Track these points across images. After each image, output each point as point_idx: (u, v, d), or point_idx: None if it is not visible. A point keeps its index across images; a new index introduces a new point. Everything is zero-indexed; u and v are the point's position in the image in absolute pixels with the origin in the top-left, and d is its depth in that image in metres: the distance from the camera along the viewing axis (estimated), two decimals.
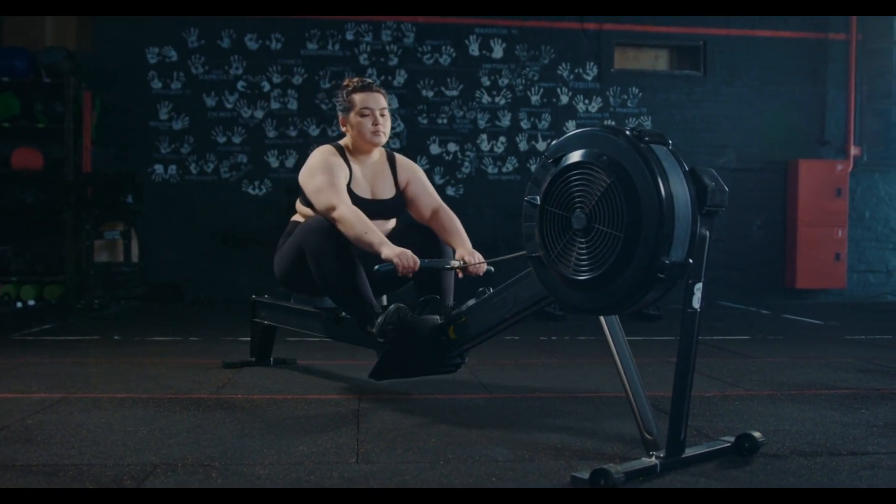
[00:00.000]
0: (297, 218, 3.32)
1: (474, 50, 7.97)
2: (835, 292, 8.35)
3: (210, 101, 7.67)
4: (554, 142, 2.29)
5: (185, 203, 7.61)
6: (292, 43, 7.76)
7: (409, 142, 7.88)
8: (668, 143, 2.12)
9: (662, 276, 1.95)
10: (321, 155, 3.13)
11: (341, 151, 3.17)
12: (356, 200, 3.08)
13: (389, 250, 2.80)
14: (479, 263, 3.03)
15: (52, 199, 7.05)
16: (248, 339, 3.82)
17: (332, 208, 2.94)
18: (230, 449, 2.24)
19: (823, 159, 8.31)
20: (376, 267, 2.80)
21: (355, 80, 3.22)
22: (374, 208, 3.16)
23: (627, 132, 2.08)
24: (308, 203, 3.18)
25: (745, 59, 8.26)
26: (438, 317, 2.86)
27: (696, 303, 2.07)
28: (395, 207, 3.28)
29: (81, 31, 7.60)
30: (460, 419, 2.67)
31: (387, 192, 3.25)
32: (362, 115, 3.10)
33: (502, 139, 8.00)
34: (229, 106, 7.70)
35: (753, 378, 3.56)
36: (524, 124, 8.03)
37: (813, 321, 6.30)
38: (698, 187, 2.07)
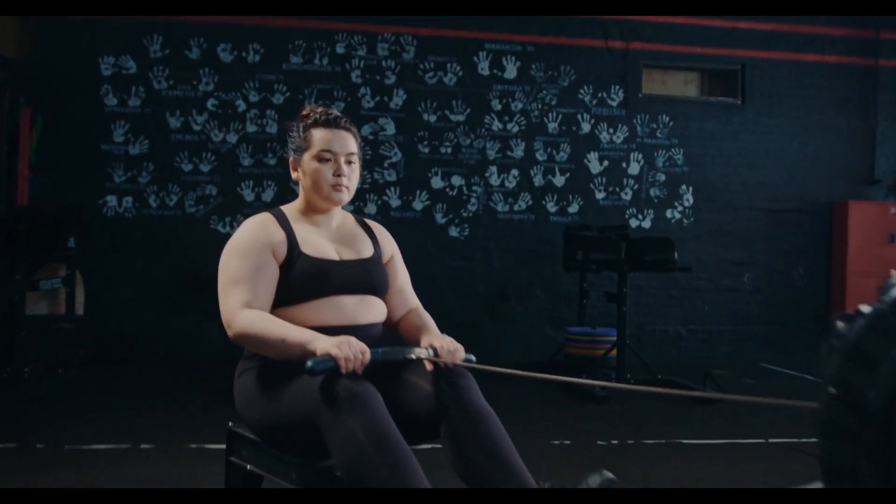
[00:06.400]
0: None
1: (484, 68, 6.90)
2: None
3: (174, 122, 6.51)
4: None
5: (142, 241, 6.44)
6: (273, 55, 6.63)
7: (407, 174, 6.78)
8: None
9: None
10: (243, 232, 2.17)
11: (280, 216, 2.22)
12: (311, 264, 2.11)
13: (324, 342, 1.91)
14: (455, 350, 2.05)
15: None
16: (223, 448, 2.65)
17: (228, 325, 2.07)
18: None
19: (874, 201, 7.37)
20: (308, 364, 1.87)
21: (318, 110, 2.27)
22: (345, 273, 2.16)
23: None
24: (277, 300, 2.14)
25: (788, 86, 7.31)
26: None
27: None
28: (376, 272, 2.23)
29: (21, 33, 6.39)
30: None
31: (364, 251, 2.25)
32: (321, 160, 2.18)
33: (514, 172, 6.94)
34: (197, 128, 6.54)
35: None
36: (540, 155, 6.97)
37: None
38: None
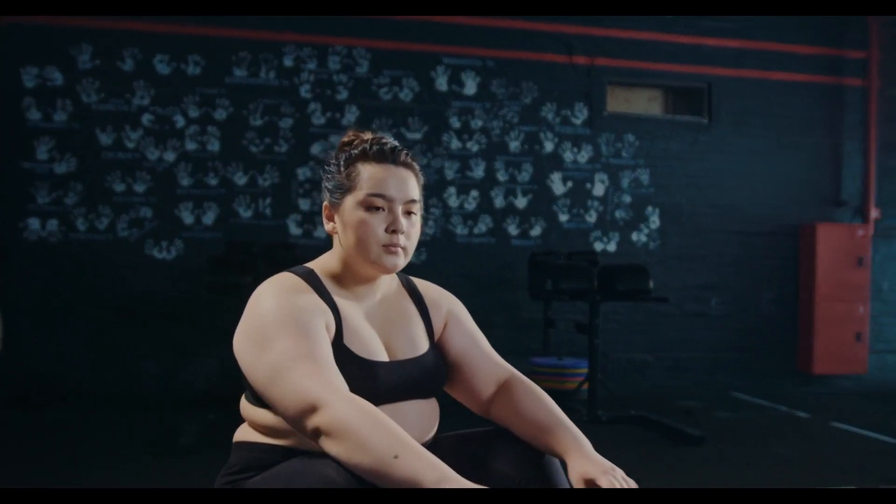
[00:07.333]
0: (245, 436, 1.59)
1: (442, 84, 6.51)
2: (853, 378, 7.17)
3: (105, 139, 5.97)
4: None
5: (68, 269, 5.86)
6: (215, 67, 6.14)
7: None
8: None
9: None
10: (275, 296, 1.50)
11: (314, 282, 1.58)
12: (354, 366, 1.50)
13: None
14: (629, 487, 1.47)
15: None
16: None
17: (314, 408, 1.34)
18: None
19: (842, 223, 7.16)
20: None
21: (367, 136, 1.62)
22: (398, 377, 1.57)
23: None
24: (263, 401, 1.51)
25: (755, 105, 7.07)
26: None
27: None
28: (434, 371, 1.66)
29: None
30: None
31: (418, 342, 1.66)
32: (370, 209, 1.56)
33: (474, 193, 6.55)
34: (131, 145, 6.01)
35: None
36: (501, 175, 6.60)
37: (884, 438, 5.01)
38: None
